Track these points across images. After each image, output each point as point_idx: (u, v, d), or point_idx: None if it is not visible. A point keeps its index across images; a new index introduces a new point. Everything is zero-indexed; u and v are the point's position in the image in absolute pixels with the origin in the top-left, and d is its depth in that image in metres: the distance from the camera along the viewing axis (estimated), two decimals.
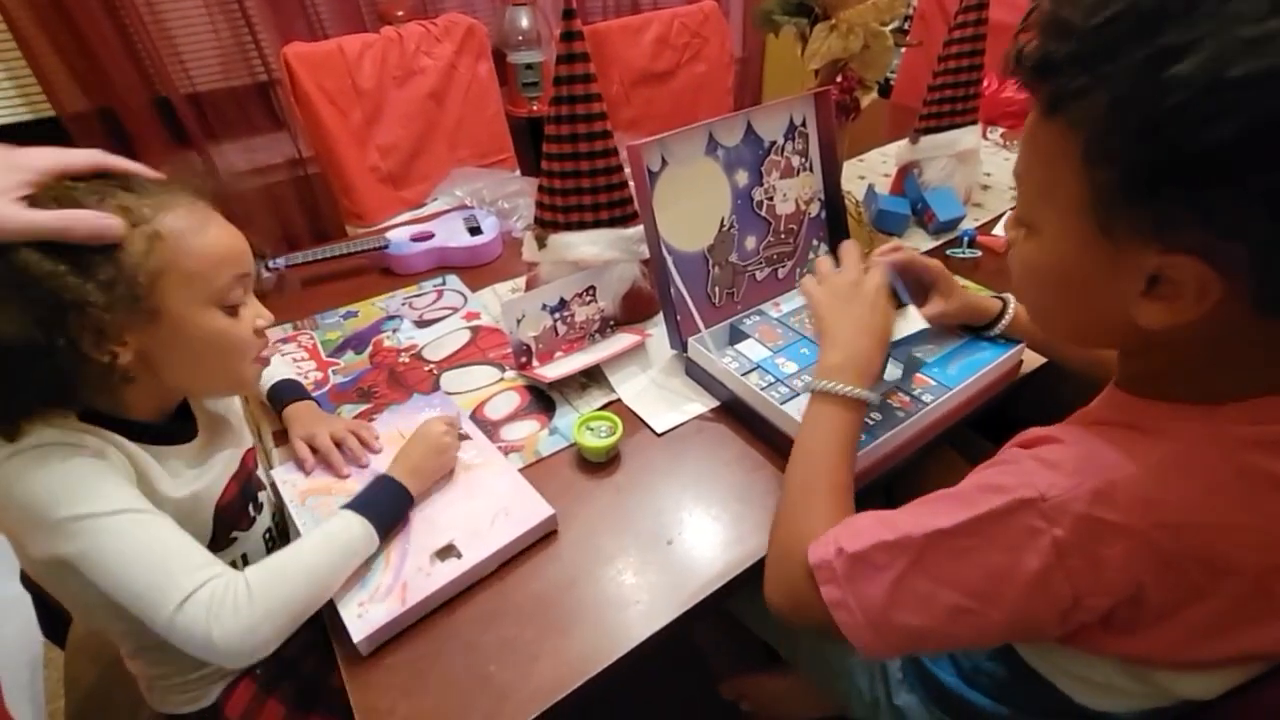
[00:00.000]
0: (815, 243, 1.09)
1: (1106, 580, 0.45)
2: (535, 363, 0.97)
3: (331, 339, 1.08)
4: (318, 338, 1.08)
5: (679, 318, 0.93)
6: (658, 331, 1.01)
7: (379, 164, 1.76)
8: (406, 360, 1.03)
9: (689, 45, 2.09)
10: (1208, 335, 0.44)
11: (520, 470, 0.82)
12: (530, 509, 0.75)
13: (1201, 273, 0.39)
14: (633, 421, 0.90)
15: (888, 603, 0.51)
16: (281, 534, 0.82)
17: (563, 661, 0.64)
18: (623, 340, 1.01)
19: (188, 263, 0.61)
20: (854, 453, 0.69)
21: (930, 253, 1.20)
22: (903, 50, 2.16)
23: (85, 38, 1.94)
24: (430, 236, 1.28)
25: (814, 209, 1.08)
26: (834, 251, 1.11)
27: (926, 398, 0.82)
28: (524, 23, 2.50)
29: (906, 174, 1.35)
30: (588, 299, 1.00)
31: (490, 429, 0.89)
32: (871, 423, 0.79)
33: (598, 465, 0.84)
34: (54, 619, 0.95)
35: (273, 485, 0.82)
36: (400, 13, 2.29)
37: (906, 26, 2.22)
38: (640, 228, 0.96)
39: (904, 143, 1.33)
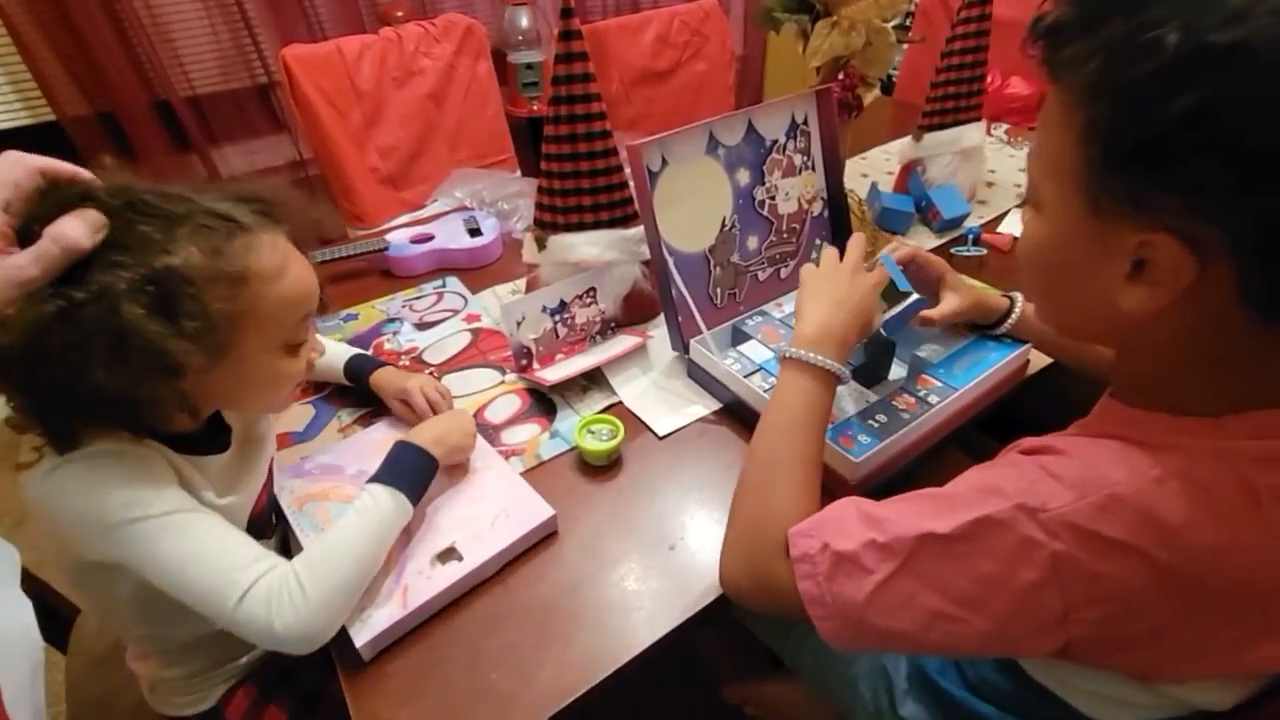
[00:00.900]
0: (818, 242, 1.08)
1: (1099, 595, 0.44)
2: (536, 365, 0.97)
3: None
4: None
5: (680, 319, 0.92)
6: (659, 333, 1.01)
7: (379, 165, 1.76)
8: (407, 363, 1.02)
9: (689, 43, 2.08)
10: (1199, 337, 0.43)
11: (522, 474, 0.81)
12: (530, 510, 0.75)
13: (1176, 253, 0.40)
14: (634, 424, 0.89)
15: (867, 605, 0.50)
16: (284, 548, 0.81)
17: (566, 668, 0.64)
18: (624, 342, 1.00)
19: (265, 307, 0.60)
20: (824, 427, 0.67)
21: (935, 251, 1.19)
22: (905, 47, 2.14)
23: (85, 41, 1.94)
24: (430, 238, 1.27)
25: (817, 208, 1.07)
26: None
27: (932, 399, 0.81)
28: (524, 22, 2.50)
29: (910, 172, 1.34)
30: (588, 300, 0.99)
31: (491, 432, 0.88)
32: (876, 425, 0.78)
33: (599, 468, 0.84)
34: (55, 622, 0.95)
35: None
36: (400, 13, 2.29)
37: (909, 23, 2.21)
38: (641, 228, 0.95)
39: (907, 140, 1.32)
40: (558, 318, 0.97)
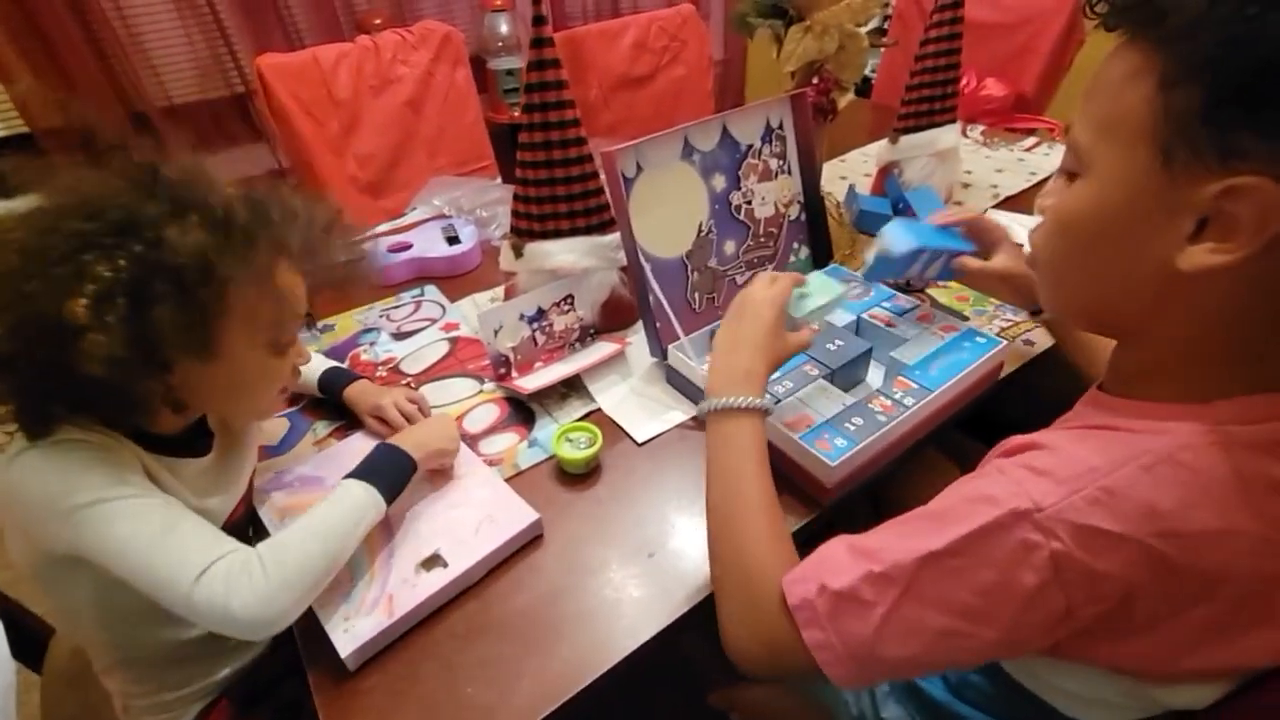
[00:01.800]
0: (796, 245, 1.08)
1: (1101, 590, 0.43)
2: (514, 374, 0.96)
3: None
4: None
5: (658, 325, 0.92)
6: (637, 339, 1.00)
7: (357, 174, 1.74)
8: (384, 374, 1.02)
9: (667, 49, 2.08)
10: (1232, 306, 0.43)
11: None
12: (515, 515, 0.75)
13: (1271, 196, 0.38)
14: (613, 431, 0.89)
15: (875, 639, 0.48)
16: None
17: (545, 679, 0.63)
18: (602, 349, 1.00)
19: (254, 308, 0.61)
20: (764, 462, 0.64)
21: None
22: (881, 51, 2.16)
23: (58, 53, 1.92)
24: (408, 247, 1.26)
25: (794, 212, 1.07)
26: (814, 253, 1.11)
27: (908, 401, 0.81)
28: (503, 29, 2.50)
29: (887, 174, 1.34)
30: (566, 308, 0.98)
31: (470, 442, 0.88)
32: (853, 428, 0.78)
33: (578, 477, 0.83)
34: (29, 643, 0.93)
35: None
36: (378, 21, 2.28)
37: (885, 26, 2.22)
38: (617, 235, 0.95)
39: (884, 143, 1.32)
40: (536, 325, 0.96)
